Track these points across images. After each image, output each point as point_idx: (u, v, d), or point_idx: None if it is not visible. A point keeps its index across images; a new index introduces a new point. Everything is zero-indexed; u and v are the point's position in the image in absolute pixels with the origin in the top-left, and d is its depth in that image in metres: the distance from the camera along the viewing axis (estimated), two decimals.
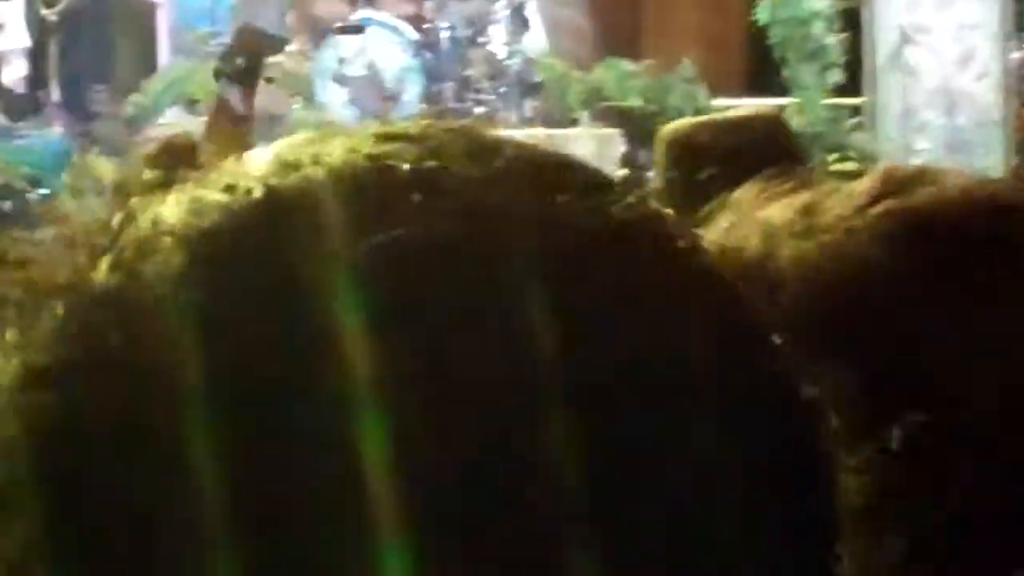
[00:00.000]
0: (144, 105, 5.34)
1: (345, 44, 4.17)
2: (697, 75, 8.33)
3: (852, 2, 7.85)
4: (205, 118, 7.44)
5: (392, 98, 8.20)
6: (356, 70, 4.17)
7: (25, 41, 7.85)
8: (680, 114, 7.93)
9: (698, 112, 7.97)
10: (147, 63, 6.00)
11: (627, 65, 8.48)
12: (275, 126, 5.58)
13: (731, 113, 2.71)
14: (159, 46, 6.22)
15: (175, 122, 5.53)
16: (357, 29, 4.21)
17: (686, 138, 2.54)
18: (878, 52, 7.74)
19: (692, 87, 8.21)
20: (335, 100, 7.25)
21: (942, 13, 7.66)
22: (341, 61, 4.15)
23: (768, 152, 2.42)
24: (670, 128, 2.58)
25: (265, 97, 5.79)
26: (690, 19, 10.32)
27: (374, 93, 4.11)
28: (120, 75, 5.67)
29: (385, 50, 8.28)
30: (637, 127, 8.15)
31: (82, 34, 5.71)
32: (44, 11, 6.19)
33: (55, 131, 5.57)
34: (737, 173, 2.45)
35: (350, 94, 4.52)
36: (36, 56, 8.11)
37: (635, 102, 8.22)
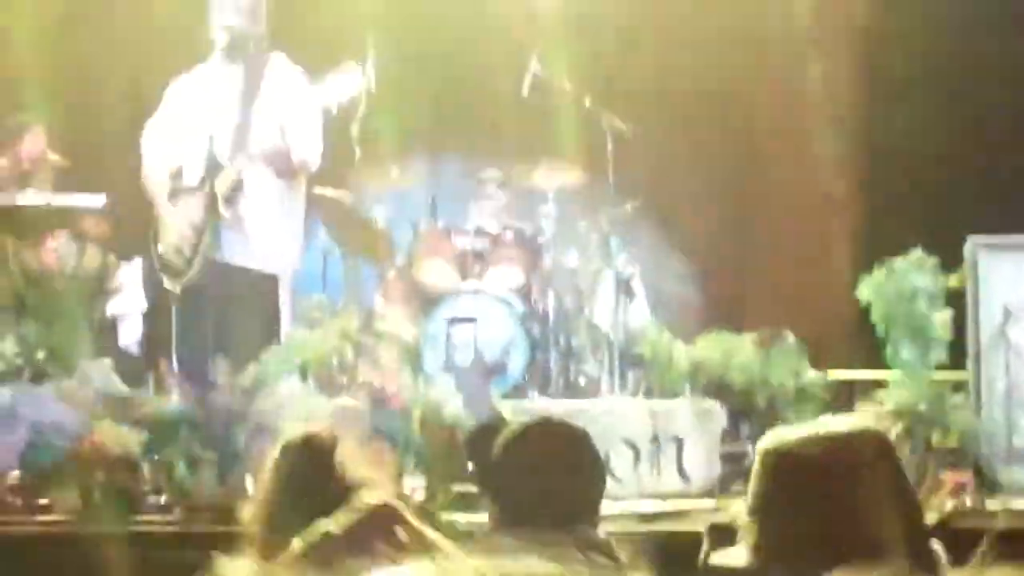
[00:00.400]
0: (261, 376, 5.47)
1: (455, 328, 4.31)
2: (800, 348, 8.36)
3: (956, 280, 7.88)
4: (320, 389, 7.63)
5: (497, 369, 8.33)
6: (464, 347, 4.30)
7: (142, 304, 8.09)
8: (783, 388, 8.00)
9: (800, 387, 8.03)
10: (268, 334, 6.16)
11: (730, 338, 8.54)
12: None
13: (835, 427, 2.75)
14: (281, 316, 6.39)
15: (290, 393, 5.66)
16: (468, 320, 4.35)
17: (789, 453, 2.59)
18: (982, 330, 7.76)
19: (795, 361, 8.24)
20: (439, 368, 7.41)
21: None
22: (448, 341, 4.29)
23: (872, 472, 2.47)
24: (774, 440, 2.63)
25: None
26: (794, 292, 10.44)
27: (480, 366, 4.23)
28: (240, 346, 5.83)
29: (492, 322, 8.44)
30: (739, 401, 8.18)
31: (203, 305, 5.88)
32: (166, 282, 6.39)
33: (171, 399, 5.70)
34: (839, 489, 2.50)
35: (453, 368, 4.67)
36: (153, 321, 8.33)
37: (738, 376, 8.27)
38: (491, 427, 4.09)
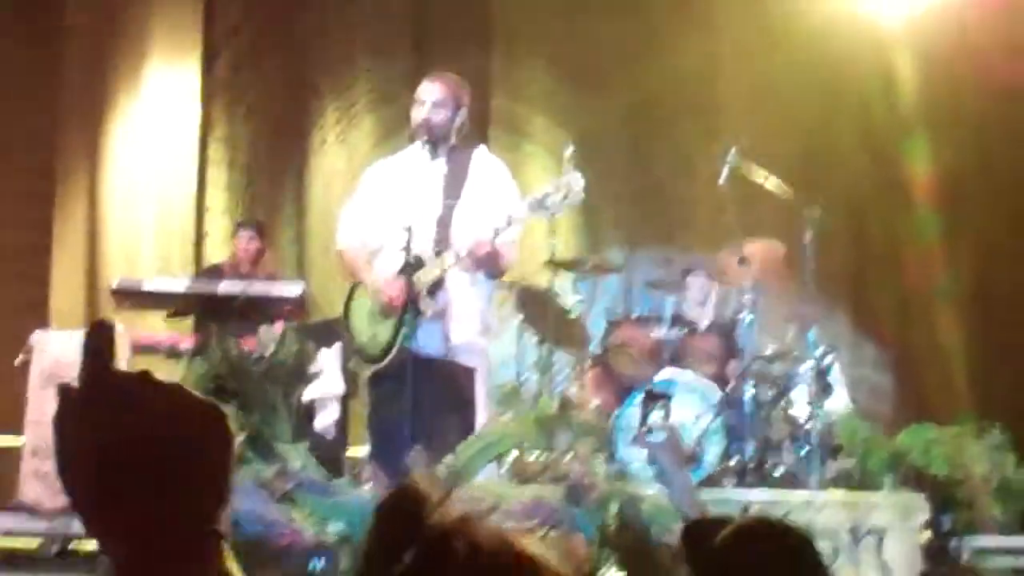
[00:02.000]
0: (456, 466, 5.49)
1: (649, 409, 4.27)
2: (1006, 441, 8.15)
3: None
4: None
5: (693, 459, 8.25)
6: (658, 434, 4.26)
7: (340, 389, 8.19)
8: (986, 482, 7.79)
9: (1005, 481, 7.81)
10: (464, 424, 6.17)
11: (932, 430, 8.36)
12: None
13: None
14: (477, 407, 6.40)
15: (484, 483, 5.67)
16: (664, 397, 4.31)
17: None
18: None
19: (1000, 455, 8.03)
20: (635, 458, 7.35)
21: None
22: (643, 425, 4.24)
23: None
24: None
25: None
26: (1001, 383, 10.21)
27: (675, 455, 4.18)
28: (436, 435, 5.84)
29: (688, 411, 8.38)
30: (942, 493, 7.98)
31: (398, 394, 5.92)
32: (364, 370, 6.45)
33: (365, 488, 5.74)
34: None
35: (649, 457, 4.60)
36: (349, 407, 8.45)
37: (940, 468, 8.08)
38: (710, 523, 4.03)
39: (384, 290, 6.26)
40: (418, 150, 6.46)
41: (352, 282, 6.60)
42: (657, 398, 4.32)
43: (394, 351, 6.20)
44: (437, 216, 6.33)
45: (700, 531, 3.90)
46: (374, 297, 6.37)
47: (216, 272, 9.32)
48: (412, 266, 6.14)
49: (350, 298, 6.57)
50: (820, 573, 3.19)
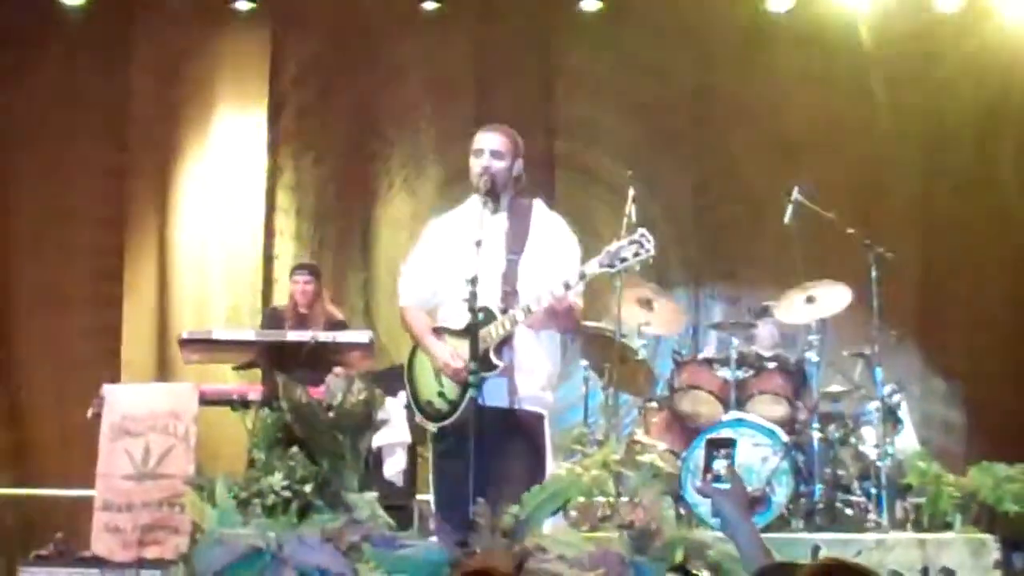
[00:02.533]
0: (521, 517, 5.48)
1: (712, 457, 4.28)
2: None
3: None
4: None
5: (761, 501, 8.22)
6: (722, 482, 4.27)
7: (407, 437, 8.22)
8: None
9: None
10: (533, 473, 6.16)
11: (1002, 468, 8.30)
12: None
13: None
14: (545, 455, 6.39)
15: (549, 533, 5.66)
16: (727, 445, 4.31)
17: None
18: None
19: None
20: (703, 501, 7.32)
21: None
22: (707, 473, 4.26)
23: None
24: None
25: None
26: None
27: (740, 503, 4.19)
28: (503, 486, 5.84)
29: (755, 453, 8.36)
30: (1013, 532, 7.92)
31: (463, 445, 5.92)
32: (430, 426, 6.45)
33: (431, 540, 5.75)
34: None
35: (713, 506, 4.59)
36: (416, 455, 8.47)
37: (1011, 507, 8.01)
38: (779, 568, 4.02)
39: (449, 364, 6.27)
40: (476, 204, 6.48)
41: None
42: (720, 445, 4.31)
43: (461, 408, 6.20)
44: (501, 270, 6.32)
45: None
46: (436, 367, 6.38)
47: (275, 315, 9.40)
48: (480, 322, 6.14)
49: (413, 354, 6.58)
50: None
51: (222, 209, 11.47)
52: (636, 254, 6.13)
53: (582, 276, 6.19)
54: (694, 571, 4.25)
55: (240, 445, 7.70)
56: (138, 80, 11.54)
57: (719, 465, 4.22)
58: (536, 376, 6.37)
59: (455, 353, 6.28)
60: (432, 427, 6.41)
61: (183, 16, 11.50)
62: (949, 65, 11.13)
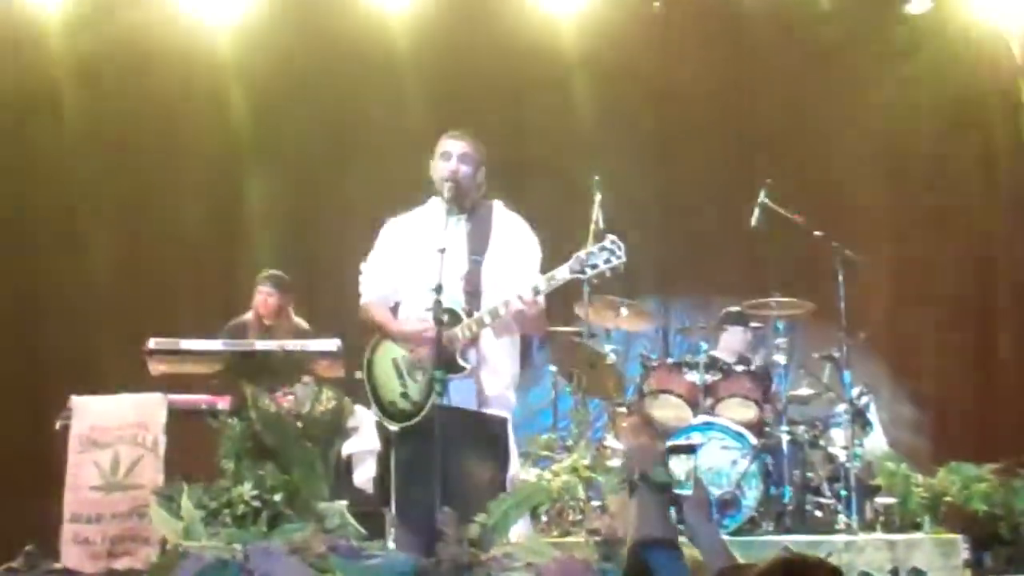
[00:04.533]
0: (488, 525, 5.49)
1: (678, 461, 4.28)
2: None
3: None
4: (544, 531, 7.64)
5: (731, 503, 8.25)
6: (684, 488, 4.28)
7: (376, 444, 8.21)
8: None
9: None
10: (498, 480, 6.17)
11: (971, 468, 8.35)
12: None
13: None
14: (510, 458, 6.39)
15: (518, 538, 5.65)
16: (689, 449, 4.32)
17: None
18: None
19: None
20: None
21: None
22: (671, 476, 4.28)
23: None
24: None
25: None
26: None
27: (702, 509, 4.19)
28: (468, 490, 5.84)
29: (724, 455, 8.39)
30: (982, 532, 7.96)
31: (428, 448, 5.93)
32: (390, 425, 6.47)
33: (398, 550, 5.75)
34: None
35: (677, 511, 4.60)
36: (386, 463, 8.45)
37: (979, 506, 8.06)
38: (739, 569, 4.04)
39: (421, 333, 6.29)
40: (436, 207, 6.50)
41: (375, 338, 6.62)
42: (682, 451, 4.32)
43: (427, 409, 6.22)
44: (463, 272, 6.36)
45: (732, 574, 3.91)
46: (405, 348, 6.40)
47: (237, 329, 9.34)
48: (445, 324, 6.16)
49: (372, 354, 6.60)
50: None
51: None
52: (607, 261, 6.15)
53: (551, 281, 6.21)
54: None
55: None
56: None
57: (680, 471, 4.24)
58: (501, 376, 6.41)
59: (422, 320, 6.30)
60: (395, 427, 6.43)
61: None
62: (915, 64, 11.16)
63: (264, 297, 9.37)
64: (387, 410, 6.49)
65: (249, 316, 9.45)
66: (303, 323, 9.45)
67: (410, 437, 6.32)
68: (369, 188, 10.88)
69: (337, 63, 11.43)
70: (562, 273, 6.19)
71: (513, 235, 6.53)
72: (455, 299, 6.28)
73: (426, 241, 6.34)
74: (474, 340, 6.32)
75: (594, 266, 6.15)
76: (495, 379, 6.40)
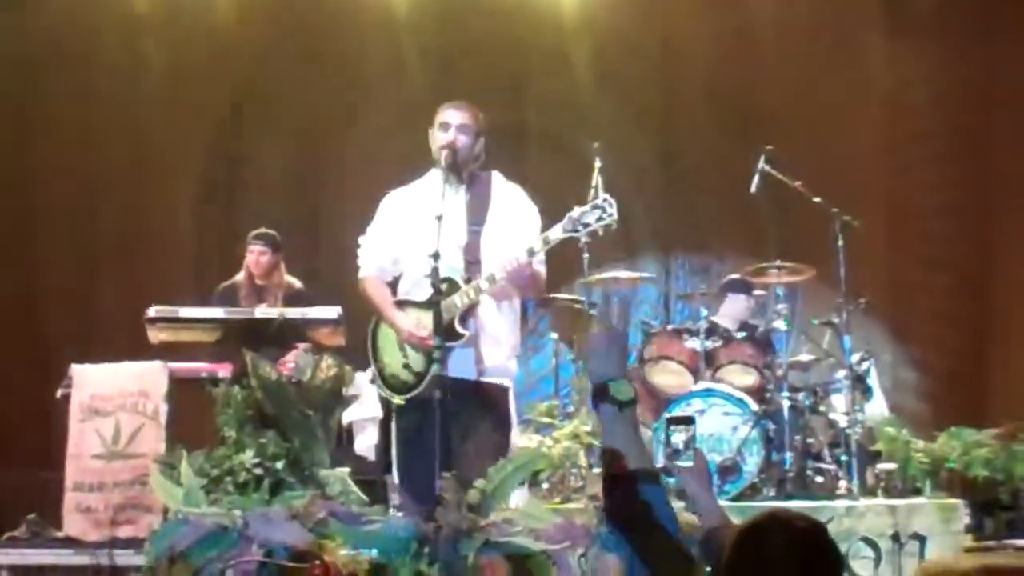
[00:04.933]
0: (488, 491, 5.49)
1: (677, 432, 4.27)
2: None
3: None
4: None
5: (732, 469, 8.26)
6: (684, 458, 4.26)
7: (378, 411, 8.22)
8: None
9: None
10: (499, 444, 6.18)
11: (972, 433, 8.35)
12: None
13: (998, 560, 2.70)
14: (511, 425, 6.40)
15: (518, 503, 5.66)
16: (688, 421, 4.31)
17: None
18: None
19: None
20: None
21: None
22: (668, 448, 4.26)
23: None
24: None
25: None
26: None
27: (702, 478, 4.18)
28: (470, 457, 5.85)
29: (725, 421, 8.39)
30: (982, 496, 7.98)
31: (430, 418, 5.94)
32: (395, 399, 6.46)
33: (398, 515, 5.75)
34: None
35: (677, 482, 4.59)
36: (387, 429, 8.46)
37: (980, 471, 8.08)
38: (720, 529, 4.03)
39: (414, 333, 6.30)
40: (435, 177, 6.49)
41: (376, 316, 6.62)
42: (680, 421, 4.31)
43: (427, 379, 6.22)
44: (463, 242, 6.35)
45: (715, 535, 3.91)
46: (401, 338, 6.40)
47: (228, 292, 9.28)
48: (444, 292, 6.16)
49: (376, 327, 6.60)
50: (833, 564, 3.16)
51: None
52: (599, 219, 6.15)
53: (546, 242, 6.21)
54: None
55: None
56: None
57: (679, 440, 4.22)
58: (501, 345, 6.41)
59: (419, 324, 6.31)
60: (398, 400, 6.43)
61: None
62: (909, 32, 11.14)
63: (256, 256, 9.26)
64: (389, 383, 6.49)
65: (240, 277, 9.35)
66: (296, 282, 9.35)
67: (412, 406, 6.33)
68: (370, 155, 10.87)
69: (338, 28, 11.42)
70: (555, 233, 6.19)
71: (512, 205, 6.52)
72: (455, 268, 6.27)
73: (425, 211, 6.33)
74: (472, 308, 6.31)
75: (586, 224, 6.14)
76: (496, 349, 6.39)
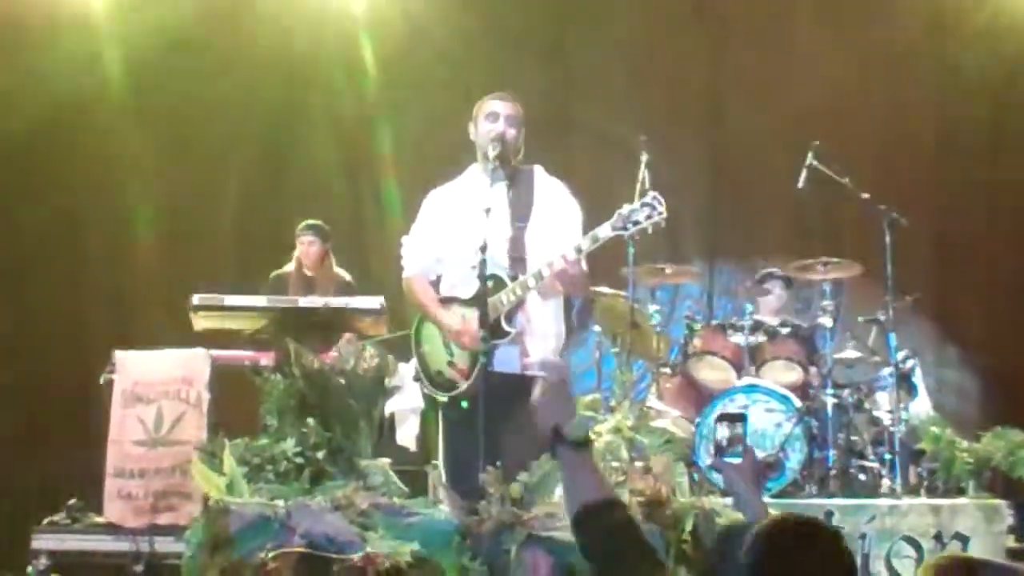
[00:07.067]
0: (531, 485, 5.47)
1: (722, 428, 4.22)
2: None
3: None
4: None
5: (774, 465, 8.21)
6: (733, 456, 4.23)
7: (420, 403, 8.20)
8: None
9: None
10: (543, 441, 6.14)
11: (1017, 434, 8.28)
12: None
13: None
14: None
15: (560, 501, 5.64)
16: (739, 417, 4.27)
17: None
18: None
19: None
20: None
21: None
22: (718, 447, 4.22)
23: None
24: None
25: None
26: None
27: (750, 477, 4.15)
28: (513, 452, 5.81)
29: (768, 418, 8.34)
30: None
31: (473, 412, 5.92)
32: (440, 396, 6.44)
33: (441, 508, 5.73)
34: None
35: (725, 480, 4.54)
36: (428, 420, 8.44)
37: None
38: (746, 527, 3.99)
39: (461, 332, 6.27)
40: (475, 172, 6.46)
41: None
42: (731, 419, 4.28)
43: (473, 377, 6.18)
44: (508, 237, 6.31)
45: (733, 536, 3.88)
46: (448, 336, 6.37)
47: (279, 282, 9.35)
48: (490, 289, 6.12)
49: (420, 324, 6.57)
50: (845, 567, 3.14)
51: None
52: (648, 217, 6.09)
53: (595, 240, 6.14)
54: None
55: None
56: None
57: (723, 436, 4.20)
58: (547, 341, 6.37)
59: (465, 321, 6.27)
60: (443, 397, 6.39)
61: None
62: (962, 36, 11.07)
63: (306, 246, 9.39)
64: (435, 380, 6.45)
65: (291, 267, 9.45)
66: (345, 274, 9.43)
67: (458, 402, 6.30)
68: (417, 146, 10.86)
69: (383, 22, 11.41)
70: (604, 231, 6.12)
71: (556, 200, 6.48)
72: (500, 264, 6.23)
73: (469, 207, 6.29)
74: (519, 304, 6.27)
75: (636, 222, 6.08)
76: (542, 344, 6.36)
